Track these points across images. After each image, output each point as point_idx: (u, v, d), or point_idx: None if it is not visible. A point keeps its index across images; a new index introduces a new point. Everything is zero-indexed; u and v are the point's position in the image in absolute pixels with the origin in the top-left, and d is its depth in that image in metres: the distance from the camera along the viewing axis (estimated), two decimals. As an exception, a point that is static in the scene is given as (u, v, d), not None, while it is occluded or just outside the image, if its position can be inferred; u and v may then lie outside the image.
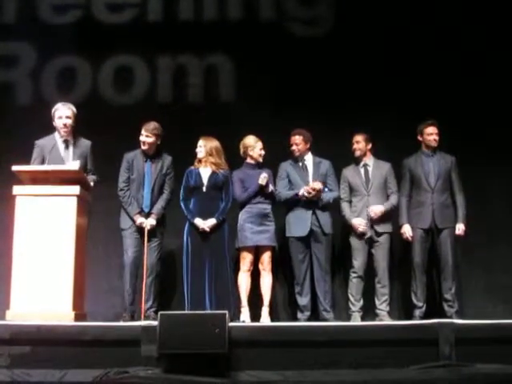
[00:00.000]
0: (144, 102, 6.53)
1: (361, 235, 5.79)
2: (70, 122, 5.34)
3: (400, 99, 6.27)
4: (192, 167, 5.77)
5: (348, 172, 5.99)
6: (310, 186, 5.69)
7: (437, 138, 5.86)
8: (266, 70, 6.41)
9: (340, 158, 6.02)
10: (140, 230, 5.58)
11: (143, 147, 5.66)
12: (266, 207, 5.73)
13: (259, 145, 5.77)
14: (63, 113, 5.34)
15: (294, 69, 6.45)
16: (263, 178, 5.61)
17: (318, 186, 5.69)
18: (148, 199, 5.60)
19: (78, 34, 6.51)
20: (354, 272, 5.86)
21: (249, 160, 5.83)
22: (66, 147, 5.35)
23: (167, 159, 5.72)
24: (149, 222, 5.56)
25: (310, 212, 5.73)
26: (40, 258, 4.85)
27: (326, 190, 5.75)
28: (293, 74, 6.44)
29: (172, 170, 5.72)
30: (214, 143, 5.72)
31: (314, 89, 6.38)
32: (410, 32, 6.43)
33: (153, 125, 5.63)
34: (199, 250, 5.55)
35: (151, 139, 5.64)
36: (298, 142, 5.85)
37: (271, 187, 5.70)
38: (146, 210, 5.61)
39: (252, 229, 5.62)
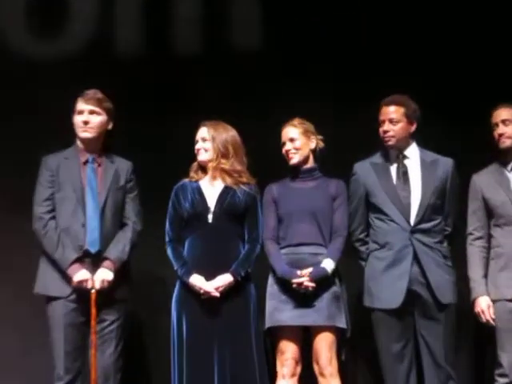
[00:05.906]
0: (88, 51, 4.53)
1: None
2: None
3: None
4: (186, 180, 3.90)
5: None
6: None
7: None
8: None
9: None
10: (81, 297, 3.63)
11: (84, 134, 3.73)
12: (318, 251, 3.72)
13: (284, 133, 3.81)
14: None
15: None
16: (301, 283, 3.63)
17: None
18: (96, 229, 3.63)
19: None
20: (502, 375, 3.73)
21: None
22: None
23: (125, 163, 3.81)
24: (100, 278, 3.55)
25: (410, 262, 3.69)
26: None
27: None
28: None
29: (135, 183, 3.81)
30: (230, 134, 3.85)
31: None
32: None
33: (99, 94, 3.72)
34: (202, 332, 3.72)
35: (100, 118, 3.72)
36: (395, 117, 3.74)
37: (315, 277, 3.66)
38: (93, 251, 3.60)
39: (287, 297, 3.77)
